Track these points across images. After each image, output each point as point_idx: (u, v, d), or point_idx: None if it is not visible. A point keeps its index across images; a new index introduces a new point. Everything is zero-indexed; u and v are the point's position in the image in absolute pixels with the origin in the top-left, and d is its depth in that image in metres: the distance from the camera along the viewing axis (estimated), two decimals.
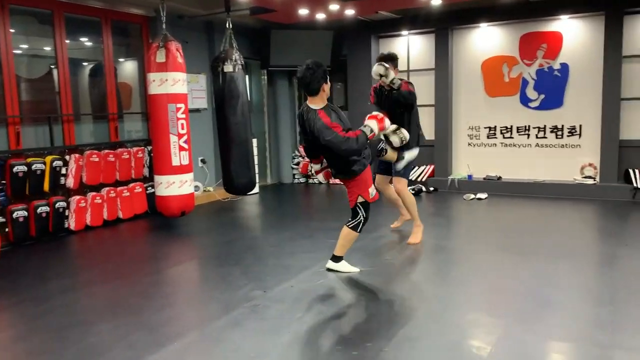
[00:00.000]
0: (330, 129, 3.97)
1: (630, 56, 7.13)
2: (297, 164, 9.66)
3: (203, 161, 8.09)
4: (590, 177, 7.49)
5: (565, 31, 7.54)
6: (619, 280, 4.05)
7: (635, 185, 7.06)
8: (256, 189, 8.57)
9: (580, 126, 7.58)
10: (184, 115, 6.05)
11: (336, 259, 4.41)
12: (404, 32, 8.58)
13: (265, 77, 9.52)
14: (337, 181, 9.25)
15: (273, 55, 8.76)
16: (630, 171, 7.19)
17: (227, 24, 6.70)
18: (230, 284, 4.20)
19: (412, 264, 4.75)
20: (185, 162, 6.07)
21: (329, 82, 4.19)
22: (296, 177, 9.70)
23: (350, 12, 7.07)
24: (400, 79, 5.03)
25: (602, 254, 4.86)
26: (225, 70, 6.53)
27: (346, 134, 4.00)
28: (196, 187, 7.86)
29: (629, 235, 5.46)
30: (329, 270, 4.40)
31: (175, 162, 5.99)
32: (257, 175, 8.76)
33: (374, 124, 4.14)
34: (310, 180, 9.59)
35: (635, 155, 7.24)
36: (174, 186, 6.00)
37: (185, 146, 6.07)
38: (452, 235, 5.84)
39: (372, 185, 4.33)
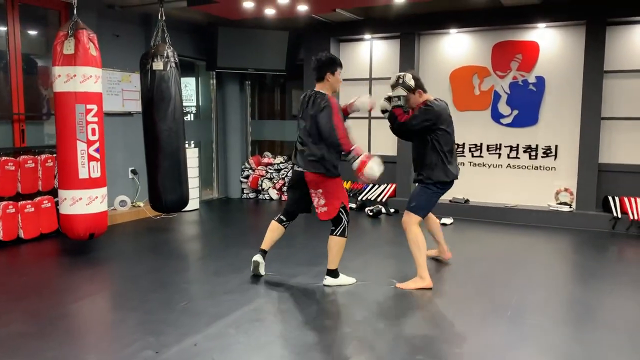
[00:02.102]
0: (333, 114, 4.02)
1: (612, 71, 6.45)
2: (247, 177, 8.72)
3: (134, 172, 7.09)
4: (565, 204, 6.76)
5: (542, 41, 6.83)
6: (600, 348, 3.24)
7: (615, 214, 6.35)
8: (196, 205, 7.62)
9: (556, 146, 6.86)
10: (96, 119, 5.06)
11: (332, 273, 4.24)
12: (367, 36, 7.77)
13: (214, 80, 8.58)
14: None
15: (221, 56, 7.83)
16: (610, 199, 6.49)
17: (160, 15, 5.80)
18: (117, 338, 3.25)
19: (359, 309, 3.86)
20: (96, 174, 5.07)
21: (335, 75, 4.20)
22: (245, 192, 8.76)
23: (303, 8, 6.21)
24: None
25: (579, 306, 4.06)
26: (154, 68, 5.64)
27: (342, 136, 4.03)
28: (123, 202, 6.85)
29: (610, 277, 4.69)
30: (327, 286, 4.19)
31: (83, 174, 4.99)
32: (198, 190, 7.85)
33: (357, 162, 4.03)
34: (261, 196, 8.65)
35: (615, 181, 6.55)
36: (81, 203, 4.99)
37: (97, 155, 5.07)
38: (410, 271, 4.97)
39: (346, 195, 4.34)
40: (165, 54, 5.61)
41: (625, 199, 6.39)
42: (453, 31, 7.25)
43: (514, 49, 6.97)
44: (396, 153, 7.66)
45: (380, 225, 6.82)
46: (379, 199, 7.68)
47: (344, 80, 8.01)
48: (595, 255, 5.43)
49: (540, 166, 6.97)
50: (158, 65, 5.60)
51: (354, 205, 7.75)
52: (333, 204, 4.16)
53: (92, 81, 5.00)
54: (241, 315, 3.56)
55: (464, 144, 7.40)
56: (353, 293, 4.15)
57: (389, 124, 4.47)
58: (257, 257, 4.45)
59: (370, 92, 7.94)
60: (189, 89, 8.86)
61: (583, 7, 6.37)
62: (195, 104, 8.79)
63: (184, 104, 8.67)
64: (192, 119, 8.92)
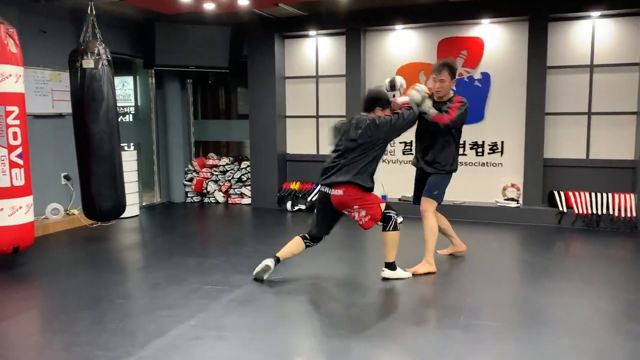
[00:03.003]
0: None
1: (555, 67, 6.51)
2: (190, 180, 8.37)
3: (67, 178, 6.63)
4: (513, 200, 6.79)
5: (486, 37, 6.82)
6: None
7: (560, 209, 6.42)
8: (136, 211, 7.22)
9: (502, 143, 6.88)
10: (17, 122, 4.64)
11: (390, 266, 4.36)
12: (312, 33, 7.57)
13: (153, 78, 8.17)
14: (236, 201, 8.16)
15: (159, 53, 7.45)
16: (555, 193, 6.55)
17: (90, 10, 5.44)
18: None
19: (308, 320, 3.65)
20: (20, 182, 4.65)
21: (384, 110, 4.40)
22: (189, 195, 8.40)
23: (244, 2, 5.93)
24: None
25: (531, 305, 3.99)
26: (84, 66, 5.32)
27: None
28: (55, 210, 6.39)
29: (559, 273, 4.68)
30: (385, 279, 4.35)
31: (4, 182, 4.56)
32: (138, 194, 7.45)
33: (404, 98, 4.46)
34: (206, 200, 8.31)
35: (560, 176, 6.62)
36: (2, 214, 4.57)
37: (20, 162, 4.65)
38: (363, 272, 4.80)
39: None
40: (96, 51, 5.28)
41: (570, 194, 6.47)
42: (399, 27, 7.15)
43: (459, 45, 6.94)
44: None
45: None
46: None
47: (290, 77, 7.86)
48: (543, 251, 5.43)
49: (487, 162, 6.98)
50: (88, 63, 5.26)
51: (303, 207, 7.55)
52: (374, 209, 4.25)
53: (12, 80, 4.58)
54: (180, 333, 3.29)
55: (411, 142, 7.31)
56: (303, 303, 3.94)
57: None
58: (269, 262, 4.28)
59: (317, 90, 7.76)
60: (126, 89, 8.43)
61: (526, 3, 6.39)
62: (133, 104, 8.36)
63: (120, 104, 8.29)
64: (131, 119, 8.48)
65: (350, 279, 4.57)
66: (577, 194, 6.44)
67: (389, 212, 4.29)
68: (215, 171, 8.30)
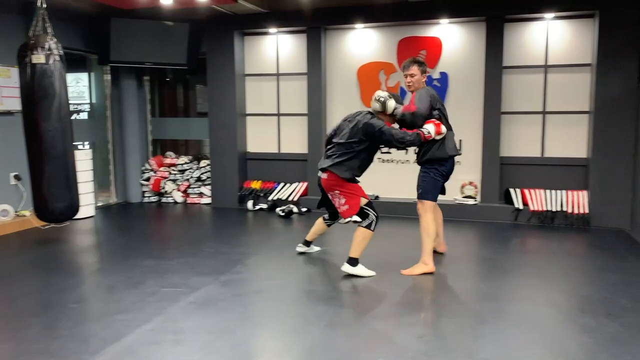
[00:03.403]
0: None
1: (511, 67, 6.65)
2: (148, 179, 8.17)
3: (17, 178, 6.36)
4: (471, 197, 6.91)
5: (444, 37, 6.91)
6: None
7: (516, 206, 6.57)
8: (91, 212, 6.99)
9: (460, 141, 6.95)
10: None
11: (352, 261, 4.44)
12: (272, 30, 7.50)
13: (109, 75, 7.93)
14: (196, 200, 8.02)
15: (114, 49, 7.23)
16: (512, 191, 6.70)
17: (39, 2, 5.21)
18: None
19: (268, 322, 3.60)
20: None
21: (387, 117, 4.60)
22: (146, 195, 8.20)
23: None
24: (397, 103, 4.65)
25: (491, 301, 4.06)
26: (34, 61, 5.09)
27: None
28: (4, 211, 6.13)
29: (516, 269, 4.78)
30: (346, 274, 4.43)
31: None
32: (93, 195, 7.22)
33: (431, 127, 4.41)
34: (164, 200, 8.14)
35: (516, 174, 6.78)
36: None
37: None
38: (323, 276, 4.77)
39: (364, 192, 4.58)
40: (46, 46, 5.05)
41: (526, 191, 6.63)
42: (359, 26, 7.16)
43: (419, 44, 7.00)
44: (307, 150, 7.47)
45: (292, 226, 6.60)
46: (290, 199, 7.46)
47: (250, 75, 7.77)
48: (501, 248, 5.54)
49: None
50: (38, 58, 5.04)
51: (264, 206, 7.48)
52: (353, 200, 4.44)
53: None
54: (136, 338, 3.19)
55: None
56: (261, 303, 3.89)
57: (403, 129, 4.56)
58: (299, 248, 5.11)
59: (278, 88, 7.69)
60: (80, 85, 8.16)
61: (483, 3, 6.50)
62: (88, 101, 8.09)
63: (74, 102, 8.01)
64: (85, 117, 8.21)
65: (313, 278, 4.54)
66: (532, 191, 6.60)
67: (368, 210, 4.42)
68: (174, 170, 8.13)
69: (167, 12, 6.86)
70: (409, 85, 4.72)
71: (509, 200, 6.71)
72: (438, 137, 4.42)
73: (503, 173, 6.78)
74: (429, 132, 4.36)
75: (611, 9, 6.00)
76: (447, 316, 3.61)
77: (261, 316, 3.65)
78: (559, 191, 6.54)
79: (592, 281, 4.41)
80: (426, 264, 4.44)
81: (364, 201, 4.45)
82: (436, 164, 4.43)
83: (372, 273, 4.45)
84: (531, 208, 6.50)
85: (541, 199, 6.52)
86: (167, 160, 8.22)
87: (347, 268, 4.43)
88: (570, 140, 6.60)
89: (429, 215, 4.45)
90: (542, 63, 6.61)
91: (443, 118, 4.48)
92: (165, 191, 8.09)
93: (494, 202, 6.74)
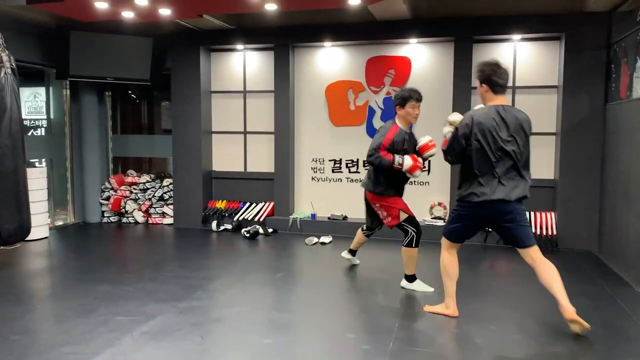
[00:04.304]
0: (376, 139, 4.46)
1: None
2: (107, 198, 7.85)
3: None
4: (440, 218, 6.83)
5: (413, 57, 6.88)
6: None
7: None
8: (45, 233, 6.65)
9: (429, 162, 6.92)
10: None
11: (409, 278, 4.59)
12: (240, 47, 7.36)
13: (68, 90, 7.63)
14: (158, 221, 7.71)
15: (74, 63, 6.96)
16: None
17: None
18: None
19: (225, 350, 3.37)
20: None
21: (405, 108, 4.48)
22: (106, 215, 7.87)
23: (165, 12, 5.63)
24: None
25: (461, 330, 3.93)
26: None
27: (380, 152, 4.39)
28: None
29: (485, 293, 4.68)
30: (404, 288, 4.53)
31: None
32: (48, 215, 6.88)
33: (409, 162, 4.39)
34: (125, 220, 7.82)
35: None
36: None
37: None
38: (286, 302, 4.57)
39: (407, 207, 4.60)
40: None
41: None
42: (328, 44, 7.08)
43: (387, 64, 6.95)
44: (273, 170, 7.30)
45: (257, 248, 6.38)
46: (256, 219, 7.25)
47: (216, 92, 7.58)
48: (471, 270, 5.44)
49: (414, 181, 6.99)
50: None
51: (229, 227, 7.24)
52: (391, 213, 4.56)
53: None
54: None
55: (341, 159, 7.24)
56: (221, 333, 3.66)
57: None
58: (344, 254, 5.46)
59: (244, 106, 7.52)
60: (38, 100, 7.82)
61: (451, 24, 6.50)
62: (45, 116, 7.76)
63: (31, 117, 7.68)
64: (42, 133, 7.87)
65: (277, 304, 4.34)
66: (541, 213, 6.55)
67: (407, 227, 4.52)
68: (135, 189, 7.84)
69: (130, 26, 6.65)
70: (415, 119, 4.58)
71: None
72: (410, 176, 4.49)
73: None
74: (399, 164, 4.37)
75: (577, 32, 6.06)
76: (418, 345, 3.46)
77: (220, 347, 3.42)
78: (529, 212, 6.51)
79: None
80: (447, 307, 3.95)
81: (403, 216, 4.52)
82: (464, 202, 3.73)
83: (429, 289, 4.54)
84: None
85: None
86: (129, 179, 7.93)
87: (404, 284, 4.62)
88: (538, 162, 6.57)
89: (445, 252, 3.95)
90: (509, 84, 6.61)
91: (482, 149, 3.59)
92: (126, 211, 7.78)
93: None
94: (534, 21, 6.23)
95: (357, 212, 7.13)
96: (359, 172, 7.16)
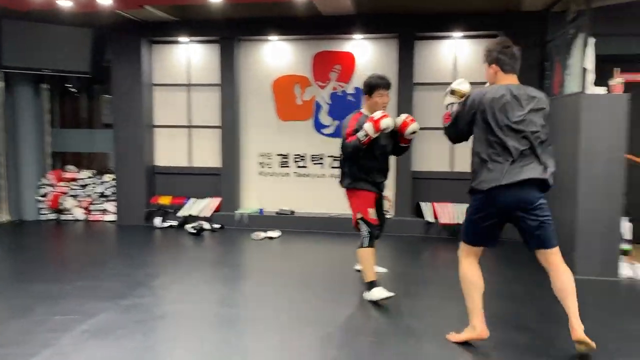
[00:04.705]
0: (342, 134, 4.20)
1: (422, 83, 6.80)
2: (45, 195, 7.54)
3: None
4: (385, 211, 6.94)
5: (358, 53, 6.96)
6: None
7: (427, 219, 6.69)
8: None
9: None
10: None
11: (368, 286, 4.12)
12: (184, 39, 7.22)
13: (2, 82, 7.26)
14: (98, 218, 7.48)
15: (7, 54, 6.65)
16: (422, 204, 6.83)
17: None
18: None
19: (174, 350, 3.33)
20: None
21: (373, 98, 4.23)
22: (43, 212, 7.56)
23: (106, 2, 5.46)
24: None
25: (404, 317, 4.04)
26: None
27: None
28: None
29: (427, 283, 4.82)
30: (368, 300, 4.08)
31: None
32: None
33: (369, 125, 3.99)
34: (63, 217, 7.54)
35: (426, 188, 6.91)
36: None
37: None
38: (232, 298, 4.55)
39: (373, 209, 4.26)
40: None
41: (436, 205, 6.77)
42: (274, 38, 7.06)
43: (333, 59, 7.01)
44: (220, 164, 7.22)
45: (204, 243, 6.30)
46: (201, 215, 7.15)
47: (159, 85, 7.41)
48: (414, 262, 5.61)
49: None
50: None
51: (174, 223, 7.12)
52: (353, 211, 4.31)
53: None
54: None
55: (288, 154, 7.24)
56: (165, 330, 3.61)
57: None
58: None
59: (188, 99, 7.40)
60: None
61: (395, 21, 6.62)
62: None
63: None
64: None
65: (222, 300, 4.31)
66: (442, 205, 6.75)
67: (361, 225, 4.21)
68: (74, 185, 7.57)
69: (69, 16, 6.40)
70: (384, 107, 4.25)
71: (420, 214, 6.82)
72: (383, 131, 4.00)
73: (415, 187, 6.89)
74: (364, 135, 3.97)
75: (513, 31, 6.27)
76: (365, 334, 3.53)
77: (164, 345, 3.37)
78: (467, 205, 6.71)
79: (500, 294, 4.51)
80: (474, 327, 3.27)
81: (360, 214, 4.20)
82: (474, 194, 3.27)
83: (388, 294, 4.01)
84: (441, 221, 6.64)
85: (450, 213, 6.68)
86: (67, 175, 7.64)
87: (365, 295, 4.14)
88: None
89: (462, 262, 3.36)
90: (450, 80, 6.80)
91: (487, 125, 3.16)
92: (65, 208, 7.51)
93: (407, 216, 6.83)
94: (474, 19, 6.44)
95: (305, 206, 7.18)
96: (306, 167, 7.19)
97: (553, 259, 3.18)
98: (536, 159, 3.09)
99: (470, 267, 3.31)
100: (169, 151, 7.50)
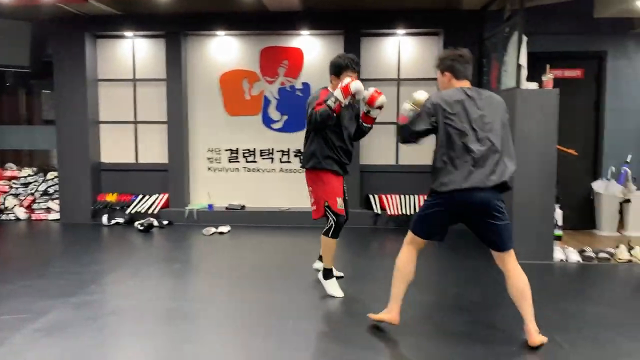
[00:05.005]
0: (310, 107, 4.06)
1: (368, 79, 6.94)
2: None
3: None
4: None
5: (305, 48, 7.08)
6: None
7: (375, 211, 6.90)
8: None
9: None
10: None
11: (325, 273, 4.16)
12: (129, 34, 7.11)
13: None
14: (42, 217, 7.26)
15: None
16: (370, 197, 7.03)
17: None
18: None
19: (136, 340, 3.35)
20: None
21: (339, 78, 4.07)
22: None
23: None
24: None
25: (355, 303, 4.20)
26: None
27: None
28: None
29: (377, 272, 5.01)
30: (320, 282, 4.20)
31: None
32: None
33: (338, 91, 3.88)
34: (4, 217, 7.29)
35: (374, 181, 7.12)
36: None
37: None
38: (184, 292, 4.58)
39: (341, 199, 4.11)
40: None
41: (383, 197, 6.98)
42: (221, 33, 7.06)
43: (281, 54, 7.08)
44: (167, 160, 7.17)
45: (153, 240, 6.26)
46: (150, 211, 7.08)
47: (103, 80, 7.26)
48: (363, 252, 5.78)
49: (287, 169, 7.23)
50: None
51: (121, 220, 7.02)
52: (318, 200, 4.14)
53: None
54: None
55: (237, 149, 7.28)
56: (118, 326, 3.61)
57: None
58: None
59: (134, 95, 7.29)
60: None
61: (340, 17, 6.76)
62: None
63: None
64: None
65: (174, 295, 4.33)
66: (388, 196, 6.98)
67: (329, 213, 4.03)
68: (15, 184, 7.33)
69: (8, 9, 6.17)
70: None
71: (369, 205, 7.02)
72: (354, 97, 3.92)
73: (363, 180, 7.08)
74: (334, 102, 3.85)
75: (453, 28, 6.58)
76: (313, 323, 3.65)
77: (118, 340, 3.38)
78: (412, 196, 6.98)
79: (445, 280, 4.76)
80: (390, 311, 3.42)
81: (327, 203, 4.03)
82: (434, 193, 3.23)
83: (338, 294, 4.04)
84: (388, 212, 6.86)
85: (396, 204, 6.92)
86: (8, 173, 7.39)
87: (320, 277, 4.20)
88: (421, 149, 7.06)
89: (404, 248, 3.40)
90: (395, 76, 7.04)
91: (450, 128, 3.17)
92: (6, 207, 7.25)
93: (356, 208, 7.00)
94: (417, 17, 6.67)
95: (255, 201, 7.24)
96: (256, 162, 7.25)
97: (508, 261, 3.22)
98: (496, 162, 3.09)
99: (407, 257, 3.37)
100: (115, 148, 7.37)
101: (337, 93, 3.87)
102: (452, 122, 3.11)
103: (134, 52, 7.24)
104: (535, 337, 3.14)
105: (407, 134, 3.30)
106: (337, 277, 4.31)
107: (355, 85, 3.87)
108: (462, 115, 3.11)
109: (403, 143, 3.44)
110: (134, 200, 7.18)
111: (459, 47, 3.45)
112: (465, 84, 3.31)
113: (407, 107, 3.39)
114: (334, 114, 3.92)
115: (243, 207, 7.17)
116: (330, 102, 3.87)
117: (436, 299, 4.21)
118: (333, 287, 4.11)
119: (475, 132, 3.09)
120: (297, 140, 7.14)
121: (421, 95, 3.41)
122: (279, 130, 7.19)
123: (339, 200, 4.08)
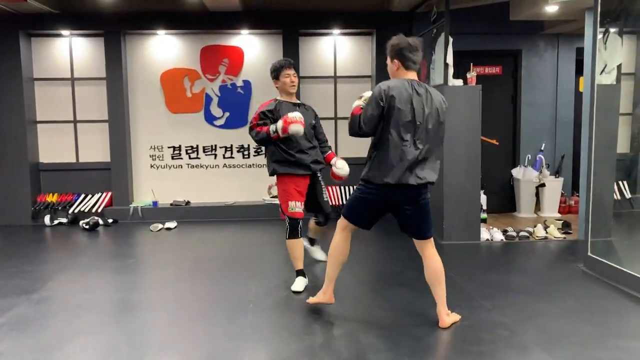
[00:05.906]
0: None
1: (306, 77, 7.31)
2: None
3: None
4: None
5: (245, 47, 7.31)
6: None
7: None
8: None
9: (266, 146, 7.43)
10: None
11: (296, 274, 4.25)
12: (65, 32, 7.05)
13: None
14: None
15: None
16: None
17: None
18: None
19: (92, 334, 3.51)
20: None
21: (280, 79, 4.24)
22: None
23: None
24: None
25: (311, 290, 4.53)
26: None
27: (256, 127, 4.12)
28: None
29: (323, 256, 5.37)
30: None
31: None
32: None
33: (280, 124, 3.98)
34: None
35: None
36: None
37: None
38: (141, 284, 4.74)
39: (295, 202, 4.14)
40: None
41: (329, 187, 7.33)
42: (161, 32, 7.15)
43: (221, 53, 7.28)
44: (109, 159, 7.18)
45: (100, 238, 6.31)
46: (93, 210, 7.09)
47: (40, 79, 7.16)
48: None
49: (253, 164, 7.48)
50: None
51: (64, 220, 6.98)
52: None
53: None
54: None
55: (180, 146, 7.41)
56: (87, 316, 3.75)
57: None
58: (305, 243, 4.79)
59: (73, 94, 7.24)
60: None
61: (279, 17, 7.05)
62: None
63: None
64: None
65: (134, 286, 4.49)
66: (334, 187, 7.36)
67: (287, 217, 4.12)
68: None
69: None
70: (293, 86, 4.28)
71: None
72: (292, 135, 3.97)
73: None
74: (273, 132, 3.97)
75: (384, 29, 7.03)
76: (268, 311, 3.95)
77: (88, 328, 3.53)
78: (347, 187, 7.40)
79: (385, 258, 5.18)
80: (324, 293, 3.62)
81: (289, 207, 4.11)
82: (366, 182, 3.34)
83: (299, 290, 4.11)
84: (332, 202, 7.22)
85: (334, 195, 7.31)
86: None
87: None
88: (361, 142, 7.50)
89: (337, 233, 3.53)
90: (332, 74, 7.42)
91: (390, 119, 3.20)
92: None
93: None
94: (351, 18, 7.07)
95: (199, 196, 7.41)
96: (199, 158, 7.41)
97: (427, 248, 3.41)
98: (428, 158, 3.22)
99: (341, 241, 3.50)
100: (54, 147, 7.30)
101: (279, 125, 3.95)
102: (393, 114, 3.14)
103: (72, 51, 7.19)
104: (445, 319, 3.37)
105: (359, 120, 3.23)
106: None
107: (295, 128, 3.91)
108: (406, 109, 3.13)
109: (353, 134, 3.33)
110: (77, 199, 7.16)
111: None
112: (413, 75, 3.31)
113: (358, 102, 3.38)
114: (273, 139, 4.03)
115: (188, 203, 7.32)
116: (271, 131, 3.99)
117: (380, 274, 4.61)
118: (297, 284, 4.17)
119: (414, 127, 3.16)
120: (239, 136, 7.40)
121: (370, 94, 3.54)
122: (221, 127, 7.39)
123: (291, 204, 4.12)
